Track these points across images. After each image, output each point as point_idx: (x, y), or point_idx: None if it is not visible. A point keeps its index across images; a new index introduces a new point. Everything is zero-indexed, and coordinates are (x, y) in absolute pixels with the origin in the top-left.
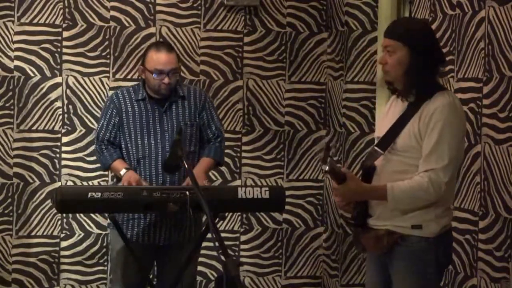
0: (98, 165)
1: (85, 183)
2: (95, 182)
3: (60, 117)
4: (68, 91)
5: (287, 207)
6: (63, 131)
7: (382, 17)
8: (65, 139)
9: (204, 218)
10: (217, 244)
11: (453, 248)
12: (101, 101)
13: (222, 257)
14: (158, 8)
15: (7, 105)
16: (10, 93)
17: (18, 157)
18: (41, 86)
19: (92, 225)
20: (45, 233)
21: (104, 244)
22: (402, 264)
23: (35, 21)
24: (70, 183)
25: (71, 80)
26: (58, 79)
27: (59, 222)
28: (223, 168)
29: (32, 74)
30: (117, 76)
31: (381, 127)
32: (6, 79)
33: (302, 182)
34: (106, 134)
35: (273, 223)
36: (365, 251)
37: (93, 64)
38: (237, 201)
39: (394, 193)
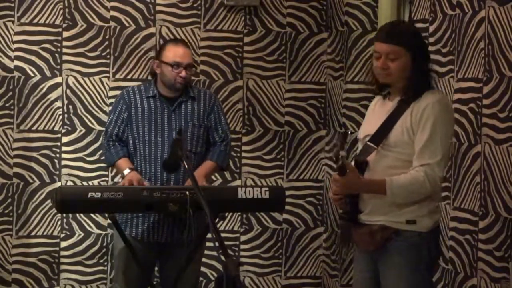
0: (99, 165)
1: (85, 183)
2: (95, 182)
3: (60, 117)
4: (68, 91)
5: (287, 207)
6: (63, 131)
7: (382, 17)
8: (65, 139)
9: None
10: (217, 244)
11: (453, 248)
12: (101, 101)
13: (222, 257)
14: (158, 8)
15: (7, 105)
16: (10, 93)
17: (18, 157)
18: (41, 86)
19: (92, 225)
20: (45, 233)
21: (104, 244)
22: (396, 258)
23: (35, 21)
24: (70, 183)
25: (71, 80)
26: (58, 79)
27: (59, 222)
28: None
29: (32, 74)
30: (117, 76)
31: (368, 126)
32: (6, 79)
33: (302, 182)
34: (114, 129)
35: (273, 223)
36: (352, 247)
37: (93, 64)
38: (237, 201)
39: (393, 187)
